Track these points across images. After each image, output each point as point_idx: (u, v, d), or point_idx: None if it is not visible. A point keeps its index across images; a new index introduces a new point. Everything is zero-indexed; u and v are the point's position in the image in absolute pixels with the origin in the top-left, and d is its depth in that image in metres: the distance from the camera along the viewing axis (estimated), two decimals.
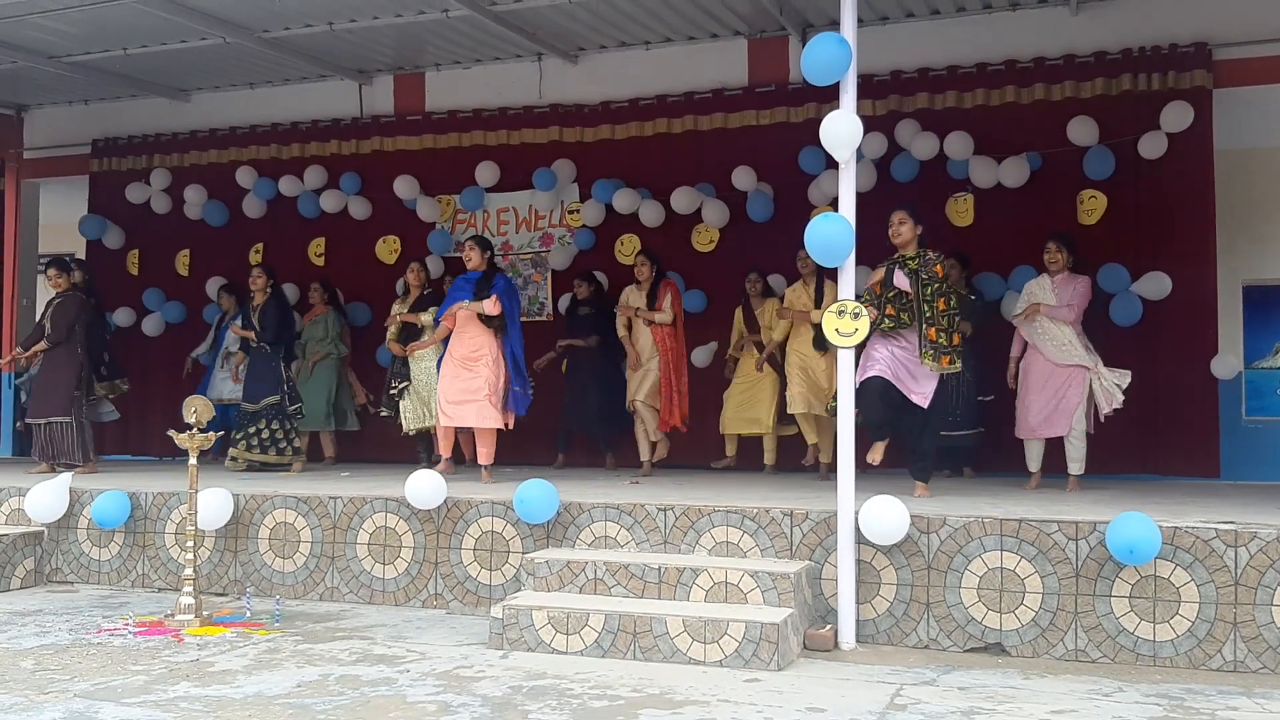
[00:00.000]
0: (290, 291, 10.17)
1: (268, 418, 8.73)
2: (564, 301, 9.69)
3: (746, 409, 8.56)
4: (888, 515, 5.35)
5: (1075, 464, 7.23)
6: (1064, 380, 7.11)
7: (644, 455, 8.58)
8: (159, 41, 9.41)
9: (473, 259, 7.75)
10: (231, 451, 8.73)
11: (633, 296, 8.51)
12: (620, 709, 4.29)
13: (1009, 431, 7.68)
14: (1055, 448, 7.36)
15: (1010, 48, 8.65)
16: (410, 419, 8.82)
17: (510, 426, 7.74)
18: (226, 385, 9.86)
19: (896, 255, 6.60)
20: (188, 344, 10.65)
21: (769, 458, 8.63)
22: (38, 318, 8.80)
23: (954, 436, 8.14)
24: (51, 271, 8.71)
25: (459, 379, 7.58)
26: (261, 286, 8.86)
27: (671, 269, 9.10)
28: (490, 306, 7.52)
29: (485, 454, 7.68)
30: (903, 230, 6.57)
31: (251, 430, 8.72)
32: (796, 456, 8.43)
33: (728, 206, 9.21)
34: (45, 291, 9.51)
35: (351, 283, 10.32)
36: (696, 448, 9.10)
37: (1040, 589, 5.24)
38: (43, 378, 8.70)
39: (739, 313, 8.75)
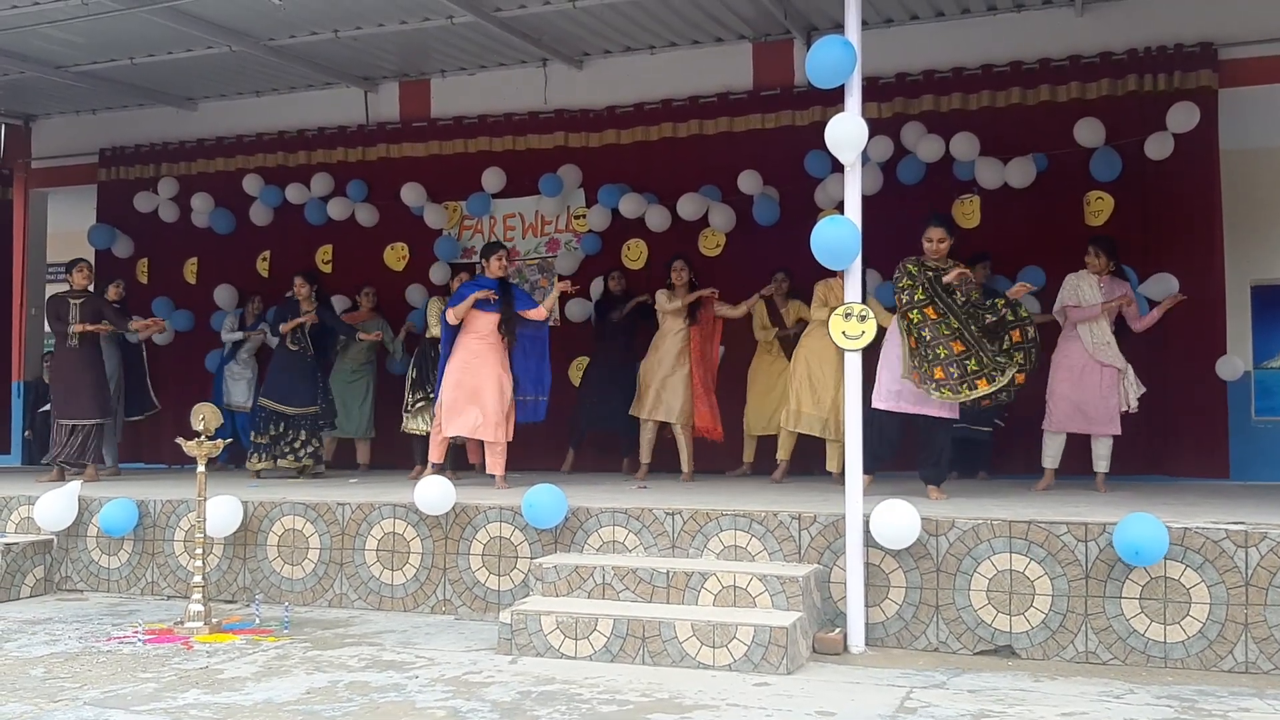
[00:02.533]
0: None
1: (305, 427, 8.78)
2: (592, 294, 9.62)
3: (770, 410, 8.45)
4: (900, 520, 5.33)
5: (1104, 461, 7.22)
6: (1099, 378, 7.10)
7: (644, 458, 8.52)
8: (165, 51, 9.44)
9: (493, 267, 7.77)
10: (281, 463, 8.76)
11: (666, 301, 8.31)
12: (629, 714, 4.29)
13: (1020, 432, 7.67)
14: (1068, 451, 7.34)
15: (1015, 49, 8.64)
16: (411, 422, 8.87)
17: (510, 438, 7.75)
18: (239, 390, 9.90)
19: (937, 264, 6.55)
20: (197, 352, 10.67)
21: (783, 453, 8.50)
22: (66, 314, 8.55)
23: (971, 430, 8.11)
24: (84, 265, 8.75)
25: (467, 386, 7.58)
26: (308, 294, 8.91)
27: None
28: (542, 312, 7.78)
29: (498, 464, 7.70)
30: (942, 247, 6.59)
31: (295, 440, 8.77)
32: (806, 461, 8.39)
33: (734, 210, 9.21)
34: None
35: (359, 290, 10.34)
36: (705, 453, 9.08)
37: (1050, 591, 5.23)
38: (76, 377, 8.51)
39: (762, 304, 8.57)
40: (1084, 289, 7.20)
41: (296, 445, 8.79)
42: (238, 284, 10.58)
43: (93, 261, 11.35)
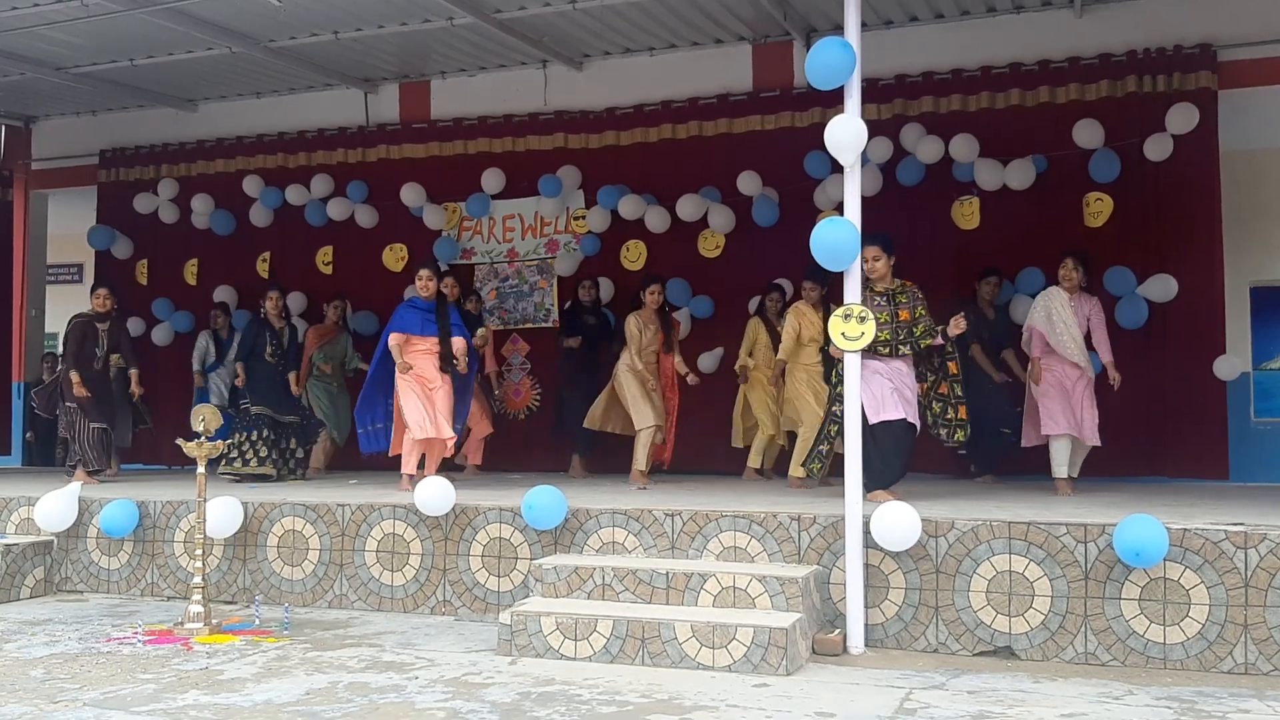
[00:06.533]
0: (297, 300, 10.22)
1: (294, 435, 8.83)
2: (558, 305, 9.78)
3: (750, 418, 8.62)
4: (900, 521, 5.33)
5: (1076, 467, 7.25)
6: (1085, 390, 7.14)
7: (642, 465, 8.48)
8: (166, 52, 9.45)
9: (430, 288, 7.76)
10: (259, 470, 8.69)
11: (647, 328, 8.27)
12: (629, 714, 4.29)
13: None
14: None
15: (1014, 50, 8.65)
16: None
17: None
18: (220, 393, 9.89)
19: (880, 289, 6.45)
20: None
21: (768, 461, 8.65)
22: (95, 339, 8.72)
23: (1003, 435, 8.11)
24: (103, 291, 8.85)
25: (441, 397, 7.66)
26: (278, 311, 8.95)
27: (678, 275, 9.13)
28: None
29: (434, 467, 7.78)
30: (878, 266, 6.42)
31: (287, 448, 8.81)
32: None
33: (733, 212, 9.21)
34: (54, 303, 9.58)
35: (359, 291, 10.34)
36: (708, 454, 9.11)
37: (1049, 592, 5.23)
38: (105, 390, 8.81)
39: (758, 325, 8.56)
40: (1055, 311, 7.12)
41: (286, 452, 8.82)
42: (238, 285, 10.59)
43: (94, 262, 11.44)
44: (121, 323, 9.08)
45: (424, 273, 7.82)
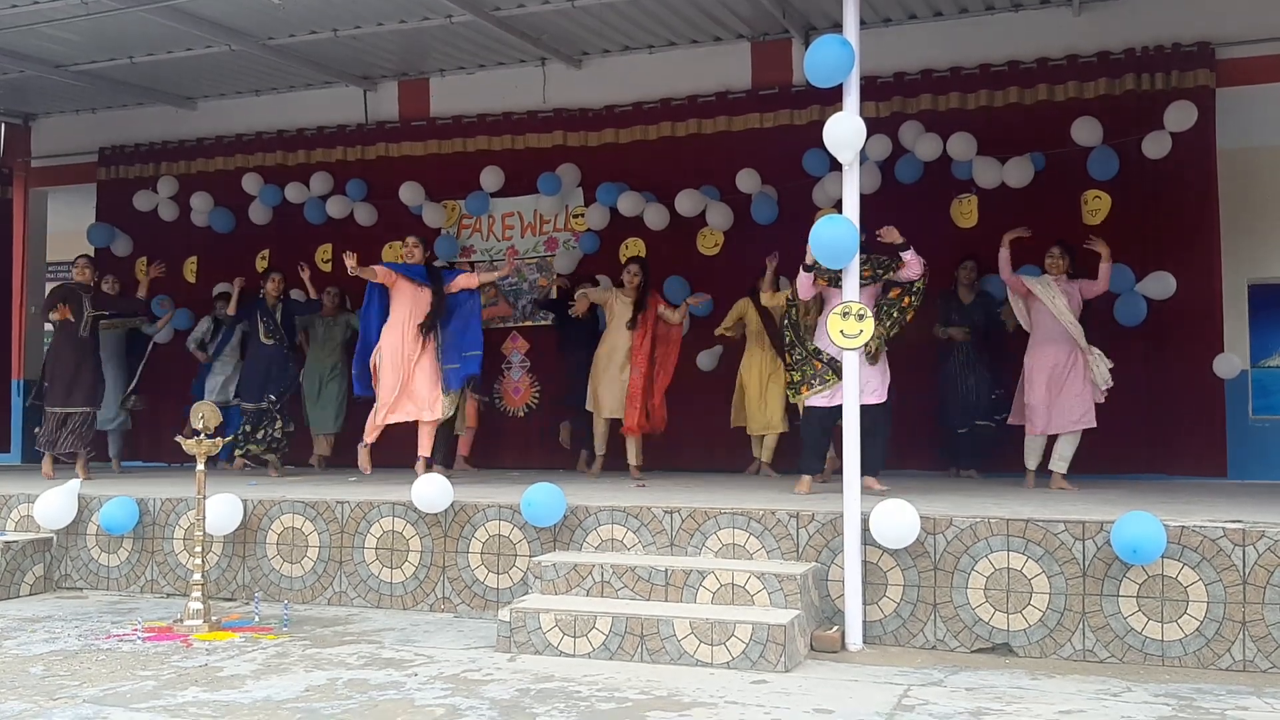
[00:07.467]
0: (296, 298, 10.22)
1: (275, 417, 8.89)
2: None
3: (760, 411, 8.58)
4: (900, 519, 5.34)
5: (1064, 462, 7.26)
6: (1067, 371, 7.14)
7: (599, 449, 8.67)
8: (165, 50, 9.45)
9: (415, 255, 8.18)
10: (249, 450, 8.91)
11: (618, 303, 8.48)
12: (628, 711, 4.30)
13: (1011, 430, 7.68)
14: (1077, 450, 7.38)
15: (1013, 48, 8.65)
16: None
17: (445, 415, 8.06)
18: (219, 387, 9.91)
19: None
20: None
21: (766, 455, 8.69)
22: (80, 304, 8.67)
23: (978, 426, 8.14)
24: (81, 260, 8.90)
25: (407, 371, 7.91)
26: (277, 291, 9.25)
27: (676, 273, 9.13)
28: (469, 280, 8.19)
29: (427, 445, 8.02)
30: None
31: (257, 431, 8.89)
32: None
33: (732, 209, 9.21)
34: None
35: (359, 289, 10.29)
36: (707, 452, 9.11)
37: (1047, 589, 5.24)
38: (77, 368, 8.63)
39: (748, 304, 8.61)
40: (1040, 284, 7.30)
41: (259, 435, 8.89)
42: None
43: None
44: (108, 295, 9.03)
45: (410, 239, 8.29)
